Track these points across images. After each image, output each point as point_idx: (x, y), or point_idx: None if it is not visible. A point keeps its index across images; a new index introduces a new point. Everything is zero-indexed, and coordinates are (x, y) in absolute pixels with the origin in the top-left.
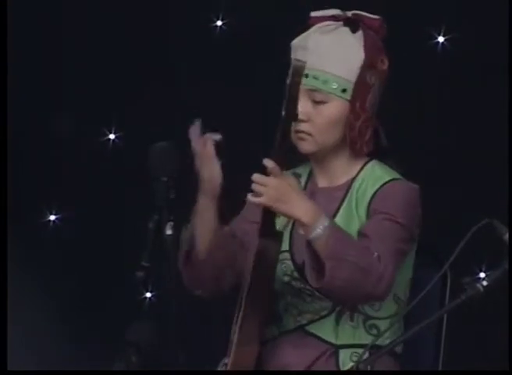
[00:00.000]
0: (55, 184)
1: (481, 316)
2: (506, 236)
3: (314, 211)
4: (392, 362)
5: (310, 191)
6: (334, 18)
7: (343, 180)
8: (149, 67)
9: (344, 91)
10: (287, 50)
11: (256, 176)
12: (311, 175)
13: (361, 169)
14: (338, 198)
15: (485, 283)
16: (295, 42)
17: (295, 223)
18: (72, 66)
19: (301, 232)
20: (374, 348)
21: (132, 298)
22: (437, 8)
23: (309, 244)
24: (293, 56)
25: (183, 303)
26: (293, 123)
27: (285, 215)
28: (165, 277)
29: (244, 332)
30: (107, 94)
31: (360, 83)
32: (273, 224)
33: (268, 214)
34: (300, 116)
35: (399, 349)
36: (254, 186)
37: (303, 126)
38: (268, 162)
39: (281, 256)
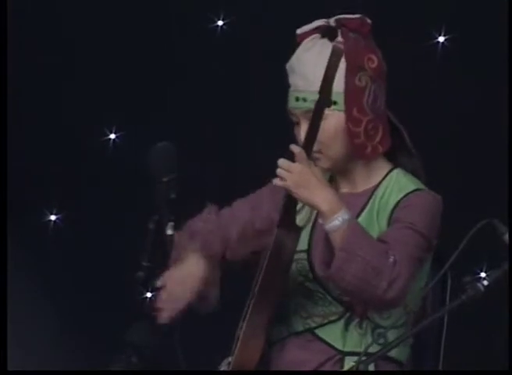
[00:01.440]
0: (55, 184)
1: (481, 316)
2: (506, 236)
3: (335, 201)
4: (391, 365)
5: None
6: (318, 30)
7: (365, 186)
8: (149, 67)
9: (335, 103)
10: (287, 50)
11: (281, 161)
12: (332, 180)
13: (385, 176)
14: (359, 205)
15: (485, 283)
16: (287, 65)
17: (316, 222)
18: (73, 65)
19: (320, 221)
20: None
21: (132, 298)
22: (437, 8)
23: (326, 234)
24: (290, 80)
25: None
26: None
27: (305, 201)
28: None
29: (251, 325)
30: (107, 94)
31: (350, 90)
32: (294, 217)
33: (290, 206)
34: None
35: (403, 356)
36: (278, 170)
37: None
38: (295, 148)
39: (297, 256)
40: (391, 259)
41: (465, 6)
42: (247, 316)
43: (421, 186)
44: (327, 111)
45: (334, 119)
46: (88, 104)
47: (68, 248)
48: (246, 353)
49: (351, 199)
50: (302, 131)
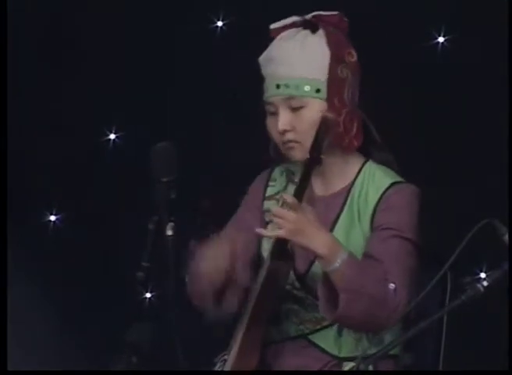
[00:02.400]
0: (55, 184)
1: (481, 316)
2: (506, 236)
3: (332, 244)
4: (392, 365)
5: (308, 199)
6: (294, 25)
7: (340, 185)
8: (150, 67)
9: (318, 91)
10: None
11: (277, 210)
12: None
13: (359, 172)
14: (337, 206)
15: (485, 283)
16: (262, 57)
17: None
18: (73, 66)
19: (320, 264)
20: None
21: (132, 299)
22: (437, 8)
23: (326, 275)
24: (263, 71)
25: (182, 303)
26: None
27: (303, 247)
28: (165, 278)
29: (246, 343)
30: (107, 94)
31: (333, 79)
32: (286, 246)
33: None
34: (284, 127)
35: (396, 351)
36: (273, 219)
37: (288, 136)
38: (288, 197)
39: None
40: (391, 287)
41: (465, 6)
42: (243, 331)
43: (397, 178)
44: (309, 99)
45: (314, 108)
46: (88, 104)
47: (68, 248)
48: (242, 365)
49: (329, 201)
50: (280, 120)
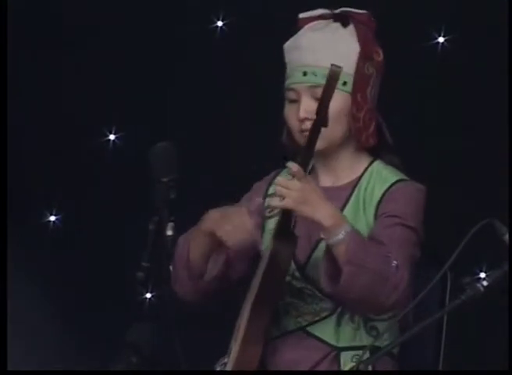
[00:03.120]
0: (55, 185)
1: (481, 316)
2: (507, 236)
3: (336, 216)
4: (390, 362)
5: None
6: (322, 17)
7: (347, 179)
8: (149, 67)
9: (345, 83)
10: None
11: (280, 180)
12: (311, 174)
13: (366, 168)
14: (343, 198)
15: (485, 283)
16: (287, 44)
17: (296, 222)
18: (73, 65)
19: (322, 236)
20: (373, 349)
21: (132, 299)
22: (437, 8)
23: (329, 249)
24: (286, 59)
25: (182, 303)
26: (300, 124)
27: (307, 218)
28: (165, 278)
29: (251, 331)
30: (107, 94)
31: (359, 75)
32: (289, 227)
33: (287, 216)
34: (306, 115)
35: (395, 349)
36: (277, 189)
37: (308, 124)
38: (293, 165)
39: None
40: (393, 264)
41: (465, 6)
42: (245, 322)
43: (403, 176)
44: (336, 90)
45: (339, 100)
46: (88, 104)
47: (68, 248)
48: (245, 358)
49: (335, 192)
50: (302, 107)
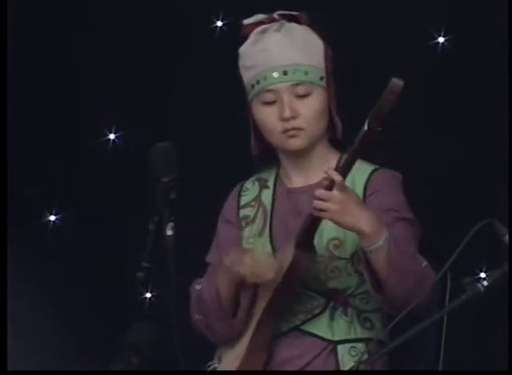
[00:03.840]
0: (55, 184)
1: (481, 316)
2: (507, 236)
3: (376, 223)
4: (386, 359)
5: (281, 193)
6: (263, 23)
7: (319, 177)
8: (149, 67)
9: (322, 78)
10: None
11: (320, 192)
12: (278, 178)
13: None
14: None
15: (485, 283)
16: (245, 49)
17: (272, 221)
18: (72, 65)
19: (362, 244)
20: (368, 342)
21: (132, 299)
22: (437, 8)
23: (365, 255)
24: (249, 63)
25: (182, 304)
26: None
27: (348, 227)
28: (165, 278)
29: (258, 338)
30: (107, 94)
31: (328, 70)
32: (313, 238)
33: (312, 227)
34: (290, 113)
35: (384, 336)
36: (317, 202)
37: (293, 123)
38: (336, 176)
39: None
40: (424, 264)
41: (465, 6)
42: (253, 329)
43: (375, 165)
44: (315, 86)
45: (319, 96)
46: (88, 104)
47: (68, 248)
48: (250, 365)
49: (311, 191)
50: (286, 106)
